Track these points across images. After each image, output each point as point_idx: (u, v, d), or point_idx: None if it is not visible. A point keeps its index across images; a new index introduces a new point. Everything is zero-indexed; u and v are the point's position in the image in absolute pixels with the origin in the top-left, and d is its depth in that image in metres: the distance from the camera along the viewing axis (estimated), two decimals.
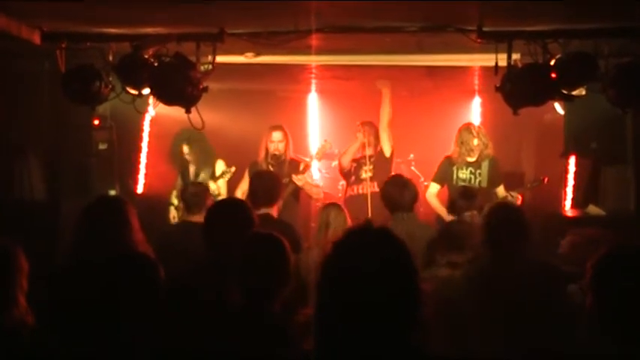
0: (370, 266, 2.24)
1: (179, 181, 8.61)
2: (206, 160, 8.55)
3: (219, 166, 8.48)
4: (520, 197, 7.46)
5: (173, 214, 8.43)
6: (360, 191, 8.09)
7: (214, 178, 8.39)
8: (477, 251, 5.11)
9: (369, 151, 8.12)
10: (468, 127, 7.89)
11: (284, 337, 3.30)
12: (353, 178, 8.22)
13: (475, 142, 7.68)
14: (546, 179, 7.72)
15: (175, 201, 8.40)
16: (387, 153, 8.10)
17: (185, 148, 8.53)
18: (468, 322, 4.62)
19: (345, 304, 2.21)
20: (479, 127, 7.96)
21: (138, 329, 3.16)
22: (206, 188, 7.21)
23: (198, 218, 6.17)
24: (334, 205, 6.56)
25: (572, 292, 4.45)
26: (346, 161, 8.22)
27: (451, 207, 6.73)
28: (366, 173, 8.09)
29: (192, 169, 8.61)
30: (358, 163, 8.17)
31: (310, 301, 2.41)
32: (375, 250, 2.28)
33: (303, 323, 2.94)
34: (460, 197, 6.50)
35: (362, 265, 2.24)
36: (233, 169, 8.35)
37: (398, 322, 2.21)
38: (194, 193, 6.43)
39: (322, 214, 6.25)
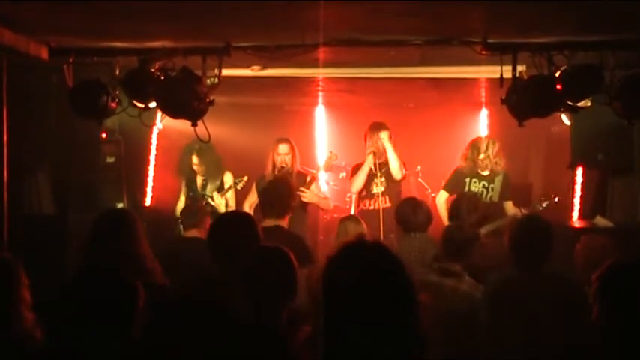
0: (363, 280, 2.26)
1: (183, 194, 8.60)
2: (214, 172, 8.54)
3: (227, 178, 8.48)
4: None
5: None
6: (372, 207, 8.01)
7: (221, 191, 8.39)
8: (472, 260, 5.15)
9: (379, 160, 8.05)
10: (475, 142, 7.90)
11: (286, 350, 3.31)
12: (364, 192, 8.12)
13: (481, 157, 7.69)
14: (557, 198, 7.70)
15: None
16: (398, 177, 7.96)
17: (195, 159, 8.47)
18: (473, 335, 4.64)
19: (343, 317, 2.23)
20: (491, 140, 7.90)
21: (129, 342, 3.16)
22: (203, 205, 7.25)
23: (193, 233, 6.21)
24: (352, 217, 6.61)
25: None
26: (357, 188, 8.11)
27: (454, 213, 6.73)
28: (377, 187, 7.97)
29: (199, 180, 8.60)
30: (369, 175, 8.10)
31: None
32: (368, 264, 2.30)
33: (302, 340, 2.95)
34: (465, 207, 6.52)
35: (355, 279, 2.27)
36: (245, 178, 8.33)
37: (396, 334, 2.23)
38: (189, 210, 6.49)
39: (340, 227, 6.31)
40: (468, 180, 7.78)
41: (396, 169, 7.80)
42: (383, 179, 7.94)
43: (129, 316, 3.18)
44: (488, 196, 7.68)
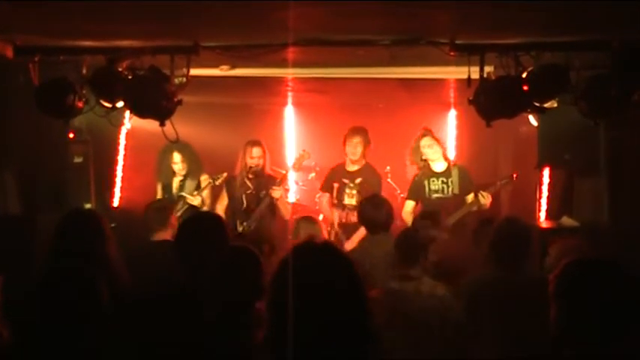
0: (313, 280, 2.30)
1: (159, 194, 8.54)
2: (195, 170, 8.46)
3: (204, 178, 8.41)
4: (490, 196, 7.50)
5: None
6: (344, 220, 8.00)
7: (199, 189, 8.32)
8: (430, 261, 5.20)
9: (353, 167, 8.05)
10: (423, 131, 7.97)
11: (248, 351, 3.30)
12: (336, 200, 8.11)
13: (423, 142, 7.77)
14: (515, 175, 7.81)
15: None
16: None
17: (176, 157, 8.40)
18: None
19: (294, 318, 2.25)
20: (421, 133, 7.99)
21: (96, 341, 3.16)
22: (171, 205, 7.19)
23: (161, 235, 6.13)
24: (307, 218, 6.60)
25: None
26: (326, 213, 8.14)
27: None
28: (349, 198, 7.98)
29: (176, 182, 8.52)
30: (341, 182, 8.07)
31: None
32: (318, 265, 2.33)
33: (256, 316, 2.98)
34: (421, 219, 6.58)
35: (305, 280, 2.29)
36: (225, 174, 8.24)
37: (347, 333, 2.25)
38: (158, 209, 6.39)
39: (295, 227, 6.32)
40: (426, 182, 7.85)
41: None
42: (355, 192, 7.91)
43: (91, 316, 3.17)
44: (449, 189, 7.76)
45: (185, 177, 8.47)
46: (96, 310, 3.22)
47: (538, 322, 4.54)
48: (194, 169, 8.47)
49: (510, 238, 5.00)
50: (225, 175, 8.23)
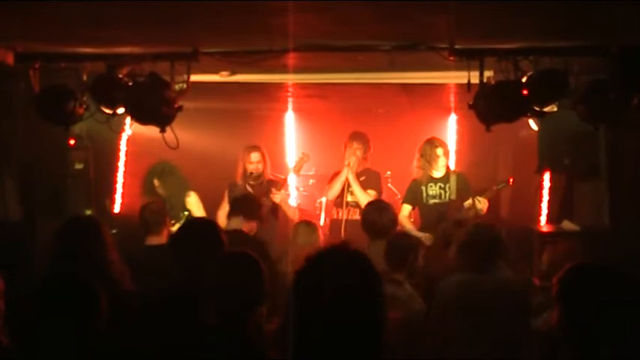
0: (339, 287, 2.25)
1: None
2: (178, 195, 8.23)
3: (192, 199, 8.17)
4: (487, 202, 7.49)
5: None
6: (340, 216, 8.03)
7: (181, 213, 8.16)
8: (415, 267, 5.25)
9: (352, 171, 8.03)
10: (430, 140, 7.96)
11: (257, 355, 3.30)
12: (338, 199, 8.14)
13: (439, 151, 7.75)
14: (511, 180, 7.80)
15: None
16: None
17: (156, 182, 8.21)
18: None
19: (312, 322, 2.23)
20: (436, 142, 7.98)
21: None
22: (165, 207, 7.10)
23: (158, 239, 6.08)
24: (305, 222, 6.61)
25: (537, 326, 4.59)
26: (331, 196, 8.11)
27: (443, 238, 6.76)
28: (351, 196, 8.01)
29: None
30: (344, 183, 8.09)
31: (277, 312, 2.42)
32: (347, 272, 2.30)
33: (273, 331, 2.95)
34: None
35: (331, 285, 2.25)
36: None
37: (365, 346, 2.23)
38: (154, 211, 6.31)
39: (294, 231, 6.33)
40: (423, 187, 7.85)
41: (365, 203, 7.78)
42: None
43: (90, 322, 3.18)
44: (446, 195, 7.76)
45: (169, 200, 8.22)
46: (94, 316, 3.22)
47: (509, 324, 4.64)
48: (176, 193, 8.22)
49: (477, 242, 5.03)
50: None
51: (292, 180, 9.32)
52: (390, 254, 5.35)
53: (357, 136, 8.09)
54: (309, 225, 6.52)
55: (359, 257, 2.36)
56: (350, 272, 2.30)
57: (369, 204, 6.64)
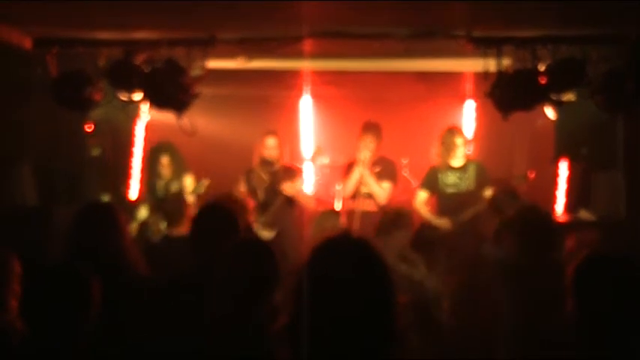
0: (345, 276, 2.24)
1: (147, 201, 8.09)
2: (179, 175, 8.14)
3: (188, 181, 8.06)
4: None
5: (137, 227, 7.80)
6: (354, 207, 7.97)
7: (189, 192, 8.11)
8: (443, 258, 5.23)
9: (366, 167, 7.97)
10: (451, 129, 7.91)
11: (267, 343, 3.31)
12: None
13: (459, 141, 7.70)
14: (531, 174, 7.72)
15: (144, 213, 7.78)
16: (381, 202, 7.71)
17: (165, 160, 8.09)
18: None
19: (319, 312, 2.22)
20: (457, 131, 7.93)
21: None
22: (184, 199, 7.09)
23: (180, 230, 6.09)
24: (330, 211, 6.60)
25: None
26: (347, 192, 8.04)
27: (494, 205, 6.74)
28: (365, 187, 7.95)
29: (161, 183, 8.17)
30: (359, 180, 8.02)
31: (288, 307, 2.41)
32: (351, 259, 2.29)
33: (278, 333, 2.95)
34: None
35: (337, 275, 2.25)
36: (207, 182, 7.91)
37: (374, 333, 2.22)
38: (175, 203, 6.27)
39: (317, 220, 6.31)
40: (441, 175, 7.79)
41: (380, 197, 7.77)
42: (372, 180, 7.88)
43: (80, 311, 3.23)
44: (464, 184, 7.70)
45: (170, 180, 8.28)
46: (84, 305, 3.27)
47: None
48: (178, 172, 8.21)
49: (533, 228, 4.95)
50: (206, 182, 8.07)
51: (308, 168, 9.31)
52: (417, 243, 5.33)
53: (370, 128, 7.97)
54: (332, 214, 6.52)
55: (363, 246, 2.34)
56: (355, 261, 2.29)
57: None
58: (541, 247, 4.91)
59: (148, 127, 8.98)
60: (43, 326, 3.16)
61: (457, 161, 7.76)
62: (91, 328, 3.26)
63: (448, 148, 7.69)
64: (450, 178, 7.75)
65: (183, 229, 6.11)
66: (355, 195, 7.94)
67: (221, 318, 3.49)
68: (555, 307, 4.54)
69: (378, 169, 7.85)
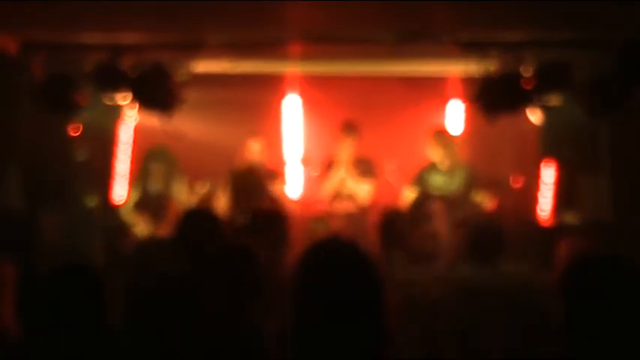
0: (335, 279, 2.26)
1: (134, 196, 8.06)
2: (170, 178, 7.98)
3: (180, 185, 7.99)
4: (492, 198, 7.45)
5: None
6: (336, 209, 7.95)
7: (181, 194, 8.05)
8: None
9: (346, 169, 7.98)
10: (440, 131, 7.95)
11: (259, 347, 3.31)
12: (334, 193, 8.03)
13: (448, 143, 7.73)
14: (518, 182, 7.77)
15: (130, 214, 7.72)
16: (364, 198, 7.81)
17: (157, 166, 7.94)
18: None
19: (309, 316, 2.23)
20: (447, 136, 7.97)
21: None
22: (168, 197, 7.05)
23: (164, 229, 6.06)
24: (322, 219, 6.62)
25: None
26: (326, 192, 8.02)
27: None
28: (346, 189, 7.94)
29: (152, 187, 8.02)
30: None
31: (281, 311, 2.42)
32: (340, 262, 2.30)
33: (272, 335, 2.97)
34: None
35: (327, 278, 2.26)
36: (207, 184, 8.02)
37: (363, 333, 2.23)
38: (157, 202, 6.24)
39: (312, 226, 6.35)
40: (429, 177, 7.81)
41: (361, 197, 7.76)
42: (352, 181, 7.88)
43: (97, 311, 3.19)
44: (452, 187, 7.72)
45: (160, 186, 8.15)
46: (101, 306, 3.23)
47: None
48: (170, 175, 8.11)
49: (481, 238, 5.00)
50: (207, 185, 7.98)
51: (295, 172, 9.31)
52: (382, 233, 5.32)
53: (348, 129, 7.96)
54: (324, 222, 6.54)
55: (353, 249, 2.36)
56: (344, 265, 2.31)
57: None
58: (484, 257, 4.95)
59: (138, 131, 8.94)
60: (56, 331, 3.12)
61: (446, 164, 7.78)
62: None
63: (437, 150, 7.72)
64: (438, 180, 7.76)
65: (167, 230, 6.06)
66: (335, 196, 7.94)
67: (206, 322, 3.49)
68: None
69: (358, 170, 7.85)
